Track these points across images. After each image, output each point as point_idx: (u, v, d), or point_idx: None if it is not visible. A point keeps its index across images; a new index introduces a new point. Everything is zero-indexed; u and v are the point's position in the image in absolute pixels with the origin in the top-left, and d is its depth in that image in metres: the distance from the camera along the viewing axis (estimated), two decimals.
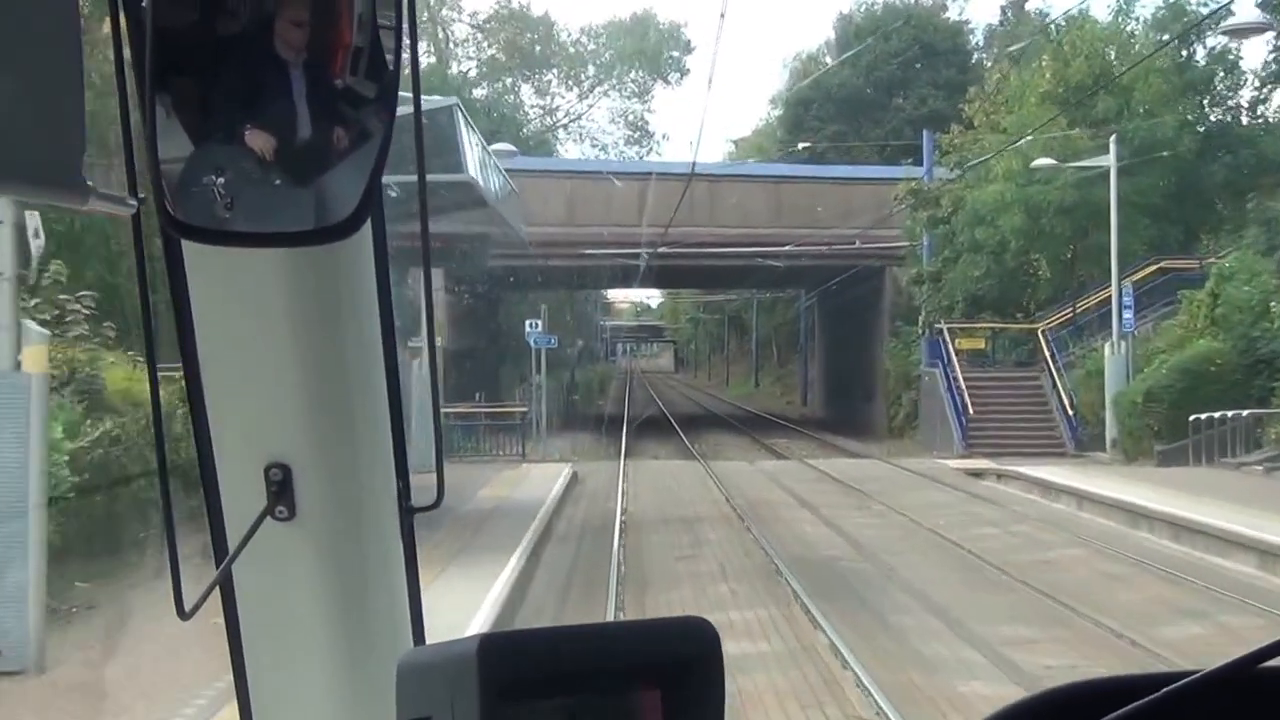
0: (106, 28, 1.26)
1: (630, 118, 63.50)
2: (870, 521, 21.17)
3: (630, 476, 28.48)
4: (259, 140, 1.23)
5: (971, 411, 33.31)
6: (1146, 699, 1.33)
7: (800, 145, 49.77)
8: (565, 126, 63.56)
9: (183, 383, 1.65)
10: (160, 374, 1.57)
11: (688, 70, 63.58)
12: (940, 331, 36.58)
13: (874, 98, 64.04)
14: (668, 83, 64.07)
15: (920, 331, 40.40)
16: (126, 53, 1.25)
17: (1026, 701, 1.43)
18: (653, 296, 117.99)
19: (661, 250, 42.22)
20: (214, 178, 1.23)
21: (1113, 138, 33.02)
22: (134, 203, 1.34)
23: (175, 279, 1.57)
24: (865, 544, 18.71)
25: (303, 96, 1.24)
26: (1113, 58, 37.26)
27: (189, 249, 1.54)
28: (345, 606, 1.67)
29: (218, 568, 1.63)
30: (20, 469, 9.72)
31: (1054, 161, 33.42)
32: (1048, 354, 34.77)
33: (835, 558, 17.77)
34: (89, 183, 1.19)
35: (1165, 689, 1.33)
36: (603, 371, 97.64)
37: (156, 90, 1.20)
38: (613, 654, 1.27)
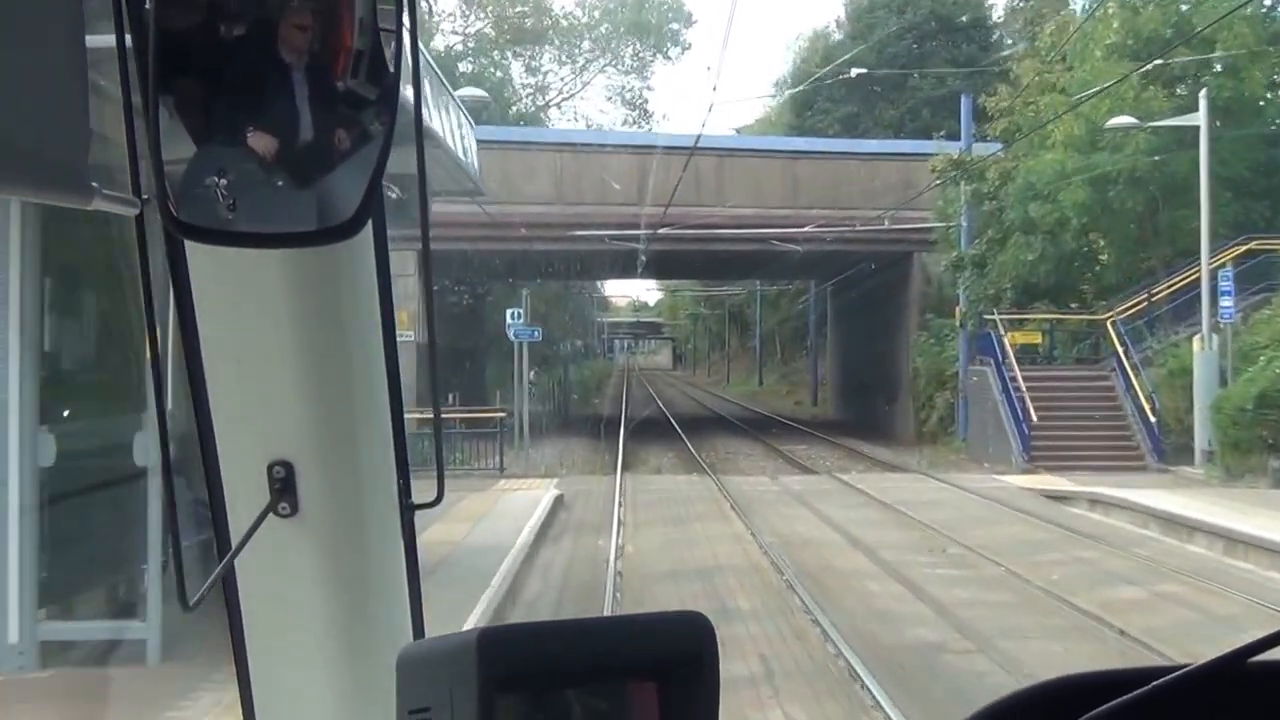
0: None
1: (628, 95, 57.31)
2: (958, 575, 15.15)
3: (629, 500, 22.46)
4: (262, 142, 1.22)
5: (1035, 418, 27.27)
6: (1135, 693, 1.31)
7: (849, 74, 42.71)
8: (558, 105, 57.37)
9: None
10: None
11: (689, 45, 57.43)
12: (992, 324, 30.54)
13: (889, 77, 58.35)
14: (668, 58, 57.91)
15: (959, 324, 34.47)
16: (130, 54, 1.22)
17: (1017, 695, 1.39)
18: (651, 290, 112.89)
19: (663, 232, 36.14)
20: (217, 179, 1.21)
21: (1203, 91, 27.05)
22: (138, 203, 1.31)
23: (178, 279, 1.55)
24: (967, 617, 12.70)
25: (305, 98, 1.23)
26: (1185, 6, 31.30)
27: (192, 249, 1.52)
28: (347, 601, 1.65)
29: (220, 563, 1.61)
30: None
31: (1134, 120, 27.42)
32: (1120, 350, 28.74)
33: (933, 646, 11.73)
34: (93, 184, 1.19)
35: (1154, 683, 1.31)
36: (599, 369, 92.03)
37: (160, 92, 1.17)
38: (610, 648, 1.24)
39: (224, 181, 1.21)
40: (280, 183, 1.23)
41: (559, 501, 21.59)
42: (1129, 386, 28.12)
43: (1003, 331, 29.70)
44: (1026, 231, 31.32)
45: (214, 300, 1.56)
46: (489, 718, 1.15)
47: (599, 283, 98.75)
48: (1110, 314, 30.04)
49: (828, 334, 55.75)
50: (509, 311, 29.62)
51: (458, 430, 28.72)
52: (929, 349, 37.32)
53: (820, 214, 37.73)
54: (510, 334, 28.94)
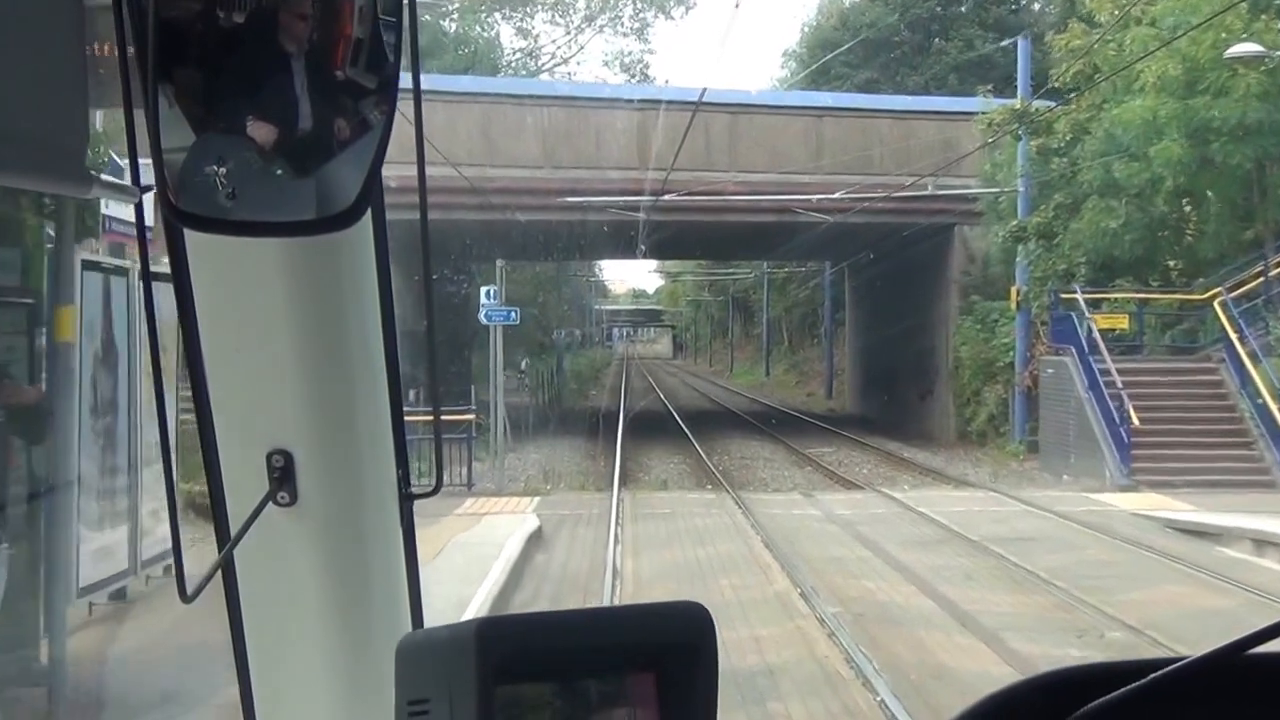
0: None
1: (627, 59, 51.31)
2: None
3: (628, 534, 16.69)
4: (261, 130, 1.20)
5: (1136, 421, 21.46)
6: (1135, 684, 1.30)
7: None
8: (550, 70, 51.27)
9: None
10: None
11: (693, 3, 51.38)
12: (1071, 305, 24.70)
13: (911, 39, 52.71)
14: (670, 17, 51.94)
15: (1015, 306, 28.75)
16: (129, 43, 1.20)
17: (1017, 686, 1.38)
18: (652, 273, 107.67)
19: (668, 199, 30.30)
20: (216, 167, 1.19)
21: None
22: (137, 191, 1.32)
23: (177, 268, 1.53)
24: None
25: (304, 88, 1.20)
26: None
27: (191, 238, 1.50)
28: (345, 590, 1.62)
29: (219, 553, 1.59)
30: None
31: (1259, 48, 21.63)
32: (1235, 335, 22.92)
33: None
34: (92, 172, 1.20)
35: (1153, 674, 1.30)
36: (597, 358, 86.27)
37: (159, 80, 1.16)
38: (609, 638, 1.23)
39: (223, 170, 1.18)
40: (280, 171, 1.21)
41: (535, 539, 15.80)
42: (1245, 382, 22.32)
43: (1089, 314, 23.81)
44: (1108, 194, 25.47)
45: (213, 289, 1.53)
46: (488, 708, 1.13)
47: (597, 268, 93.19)
48: (1213, 292, 24.20)
49: (845, 319, 49.86)
50: (483, 290, 23.78)
51: (420, 436, 22.91)
52: (974, 336, 31.73)
53: (849, 180, 31.99)
54: (482, 316, 23.10)
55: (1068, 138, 26.60)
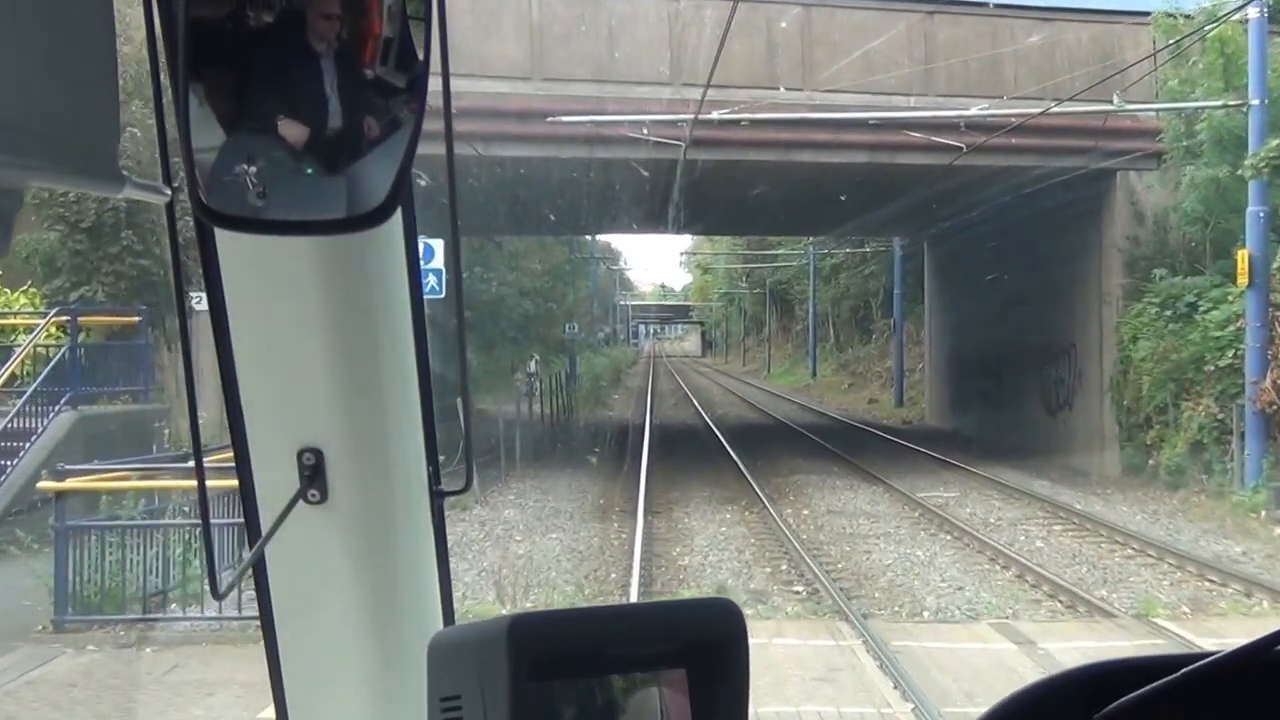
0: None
1: None
2: None
3: None
4: (291, 130, 1.17)
5: None
6: (1166, 679, 1.25)
7: None
8: None
9: None
10: None
11: None
12: None
13: None
14: None
15: (1247, 280, 18.03)
16: (160, 43, 1.19)
17: (1047, 681, 1.32)
18: (683, 253, 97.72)
19: (715, 116, 19.40)
20: (247, 166, 1.17)
21: None
22: (168, 191, 1.30)
23: (209, 267, 1.50)
24: None
25: (334, 87, 1.18)
26: None
27: (222, 237, 1.48)
28: (376, 588, 1.58)
29: (250, 550, 1.55)
30: None
31: None
32: None
33: None
34: (124, 172, 1.18)
35: (1185, 669, 1.25)
36: (622, 357, 75.46)
37: (190, 80, 1.14)
38: (640, 634, 1.21)
39: (254, 169, 1.17)
40: (310, 170, 1.18)
41: None
42: None
43: None
44: None
45: (244, 288, 1.49)
46: (519, 704, 1.11)
47: (622, 259, 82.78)
48: None
49: (923, 308, 38.75)
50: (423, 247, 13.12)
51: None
52: (1158, 327, 21.10)
53: (972, 102, 21.11)
54: None
55: None
